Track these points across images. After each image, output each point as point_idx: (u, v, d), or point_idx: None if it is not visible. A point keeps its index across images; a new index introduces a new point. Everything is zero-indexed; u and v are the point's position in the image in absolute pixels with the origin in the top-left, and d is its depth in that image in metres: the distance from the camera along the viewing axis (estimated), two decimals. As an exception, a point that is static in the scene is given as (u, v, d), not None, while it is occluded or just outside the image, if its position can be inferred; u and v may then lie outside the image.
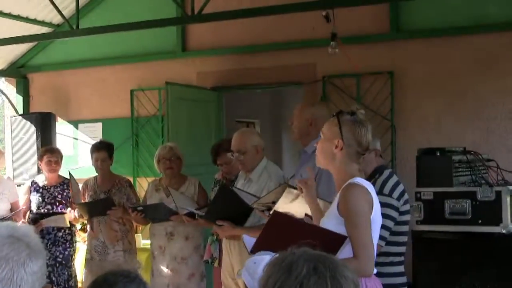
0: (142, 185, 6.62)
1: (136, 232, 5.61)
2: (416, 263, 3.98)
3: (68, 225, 5.48)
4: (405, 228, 3.32)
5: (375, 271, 2.54)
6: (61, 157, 5.65)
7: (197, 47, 6.89)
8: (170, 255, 4.87)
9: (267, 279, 1.37)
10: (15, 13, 6.93)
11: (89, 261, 5.30)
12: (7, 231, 1.59)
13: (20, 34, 6.57)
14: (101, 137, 6.77)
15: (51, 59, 7.62)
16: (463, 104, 5.71)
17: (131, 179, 6.01)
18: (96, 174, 5.36)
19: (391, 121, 5.91)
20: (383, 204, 2.77)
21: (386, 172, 3.32)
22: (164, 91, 6.47)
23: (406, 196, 3.32)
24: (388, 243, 3.11)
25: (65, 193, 5.56)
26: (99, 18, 6.96)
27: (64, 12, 6.26)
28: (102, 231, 5.23)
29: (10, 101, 7.87)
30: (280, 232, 2.37)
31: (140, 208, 4.80)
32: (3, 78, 8.19)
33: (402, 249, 3.30)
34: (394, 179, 3.31)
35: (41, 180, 5.64)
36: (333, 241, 2.37)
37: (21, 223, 5.25)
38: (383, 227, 2.90)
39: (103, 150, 5.25)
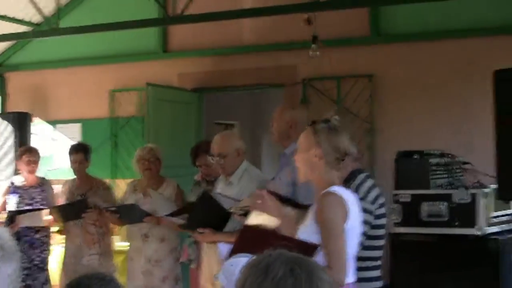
0: (121, 187, 6.57)
1: (112, 234, 5.57)
2: (394, 264, 4.01)
3: (44, 224, 5.41)
4: (381, 231, 3.25)
5: (352, 279, 2.53)
6: (39, 157, 5.60)
7: (179, 48, 6.87)
8: (145, 257, 4.82)
9: (244, 281, 1.37)
10: (-6, 11, 6.85)
11: (64, 265, 5.26)
12: (-20, 233, 1.57)
13: (-2, 33, 6.51)
14: (80, 138, 6.72)
15: (30, 58, 7.52)
16: (442, 107, 5.76)
17: (109, 181, 5.96)
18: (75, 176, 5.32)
19: (371, 124, 5.95)
20: None
21: (361, 176, 3.25)
22: (144, 92, 6.43)
23: (381, 200, 3.25)
24: (364, 247, 3.07)
25: (43, 194, 5.50)
26: (80, 17, 6.89)
27: (44, 11, 6.20)
28: (79, 234, 5.19)
29: (-14, 101, 7.76)
30: (252, 244, 2.37)
31: (114, 208, 4.76)
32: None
33: (378, 253, 3.23)
34: (369, 182, 3.25)
35: (19, 180, 5.57)
36: (305, 251, 2.37)
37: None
38: None
39: (80, 152, 5.21)
